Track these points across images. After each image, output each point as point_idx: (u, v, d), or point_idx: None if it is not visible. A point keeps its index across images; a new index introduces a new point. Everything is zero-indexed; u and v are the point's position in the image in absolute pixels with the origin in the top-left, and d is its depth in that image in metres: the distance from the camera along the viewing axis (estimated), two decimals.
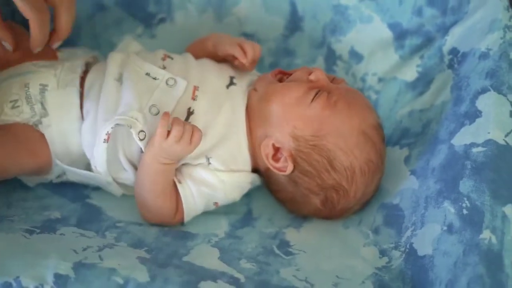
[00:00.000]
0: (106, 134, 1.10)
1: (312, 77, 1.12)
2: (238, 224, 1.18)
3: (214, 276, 1.03)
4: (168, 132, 1.06)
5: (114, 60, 1.16)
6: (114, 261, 1.02)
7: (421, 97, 1.19)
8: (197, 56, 1.21)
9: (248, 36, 1.30)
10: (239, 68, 1.19)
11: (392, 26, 1.22)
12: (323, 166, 1.11)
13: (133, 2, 1.30)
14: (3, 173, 1.13)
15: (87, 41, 1.25)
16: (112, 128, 1.09)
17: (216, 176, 1.12)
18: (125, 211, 1.18)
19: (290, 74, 1.15)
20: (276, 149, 1.12)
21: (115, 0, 1.30)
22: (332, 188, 1.12)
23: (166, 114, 1.06)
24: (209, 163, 1.12)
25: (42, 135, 1.14)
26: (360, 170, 1.11)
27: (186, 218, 1.15)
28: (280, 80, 1.15)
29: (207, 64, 1.19)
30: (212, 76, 1.16)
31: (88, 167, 1.15)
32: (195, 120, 1.12)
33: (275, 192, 1.19)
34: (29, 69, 1.16)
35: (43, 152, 1.14)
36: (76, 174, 1.16)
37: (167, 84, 1.13)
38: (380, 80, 1.24)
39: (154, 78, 1.14)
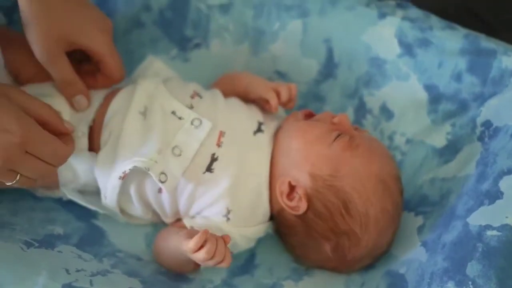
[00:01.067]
0: (123, 172, 1.08)
1: (335, 120, 1.12)
2: (237, 271, 1.15)
3: None
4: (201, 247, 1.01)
5: (142, 90, 1.14)
6: None
7: (446, 165, 1.15)
8: (225, 93, 1.19)
9: (281, 75, 1.27)
10: (268, 112, 1.18)
11: (428, 88, 1.18)
12: (338, 209, 1.07)
13: (171, 24, 1.29)
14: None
15: (121, 55, 1.24)
16: (129, 169, 1.08)
17: (233, 233, 1.09)
18: (128, 241, 1.17)
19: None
20: (292, 188, 1.09)
21: (153, 19, 1.28)
22: (345, 234, 1.08)
23: (205, 232, 1.01)
24: (228, 219, 1.09)
25: None
26: (375, 219, 1.08)
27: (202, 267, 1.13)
28: (306, 119, 1.14)
29: (236, 107, 1.16)
30: (240, 121, 1.14)
31: (97, 190, 1.14)
32: (218, 167, 1.09)
33: (286, 236, 1.16)
34: (49, 92, 1.14)
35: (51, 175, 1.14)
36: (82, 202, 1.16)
37: (192, 124, 1.11)
38: (408, 141, 1.19)
39: (180, 118, 1.11)
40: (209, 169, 1.09)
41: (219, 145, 1.10)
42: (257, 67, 1.27)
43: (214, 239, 1.01)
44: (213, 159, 1.10)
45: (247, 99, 1.19)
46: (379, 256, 1.14)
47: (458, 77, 1.15)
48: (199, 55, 1.30)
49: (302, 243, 1.14)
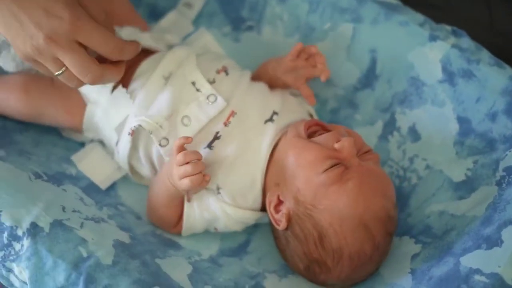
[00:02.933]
0: (131, 128, 1.12)
1: (337, 145, 1.05)
2: (228, 252, 1.17)
3: (171, 286, 1.03)
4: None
5: (173, 56, 1.17)
6: (91, 234, 1.06)
7: (459, 201, 1.11)
8: (258, 78, 1.21)
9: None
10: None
11: (461, 120, 1.14)
12: (312, 239, 1.06)
13: (230, 1, 1.30)
14: (38, 119, 1.20)
15: None
16: (135, 127, 1.12)
17: (222, 208, 1.12)
18: (134, 198, 1.21)
19: (326, 129, 1.11)
20: (280, 202, 1.09)
21: None
22: (316, 261, 1.08)
23: (197, 153, 1.06)
24: (218, 193, 1.11)
25: (83, 102, 1.19)
26: (349, 257, 1.05)
27: (184, 233, 1.16)
28: (310, 136, 1.10)
29: (258, 92, 1.17)
30: (255, 106, 1.14)
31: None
32: (218, 145, 1.11)
33: (274, 237, 1.17)
34: None
35: (78, 115, 1.19)
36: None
37: (207, 99, 1.13)
38: (428, 167, 1.16)
39: (197, 90, 1.14)
40: (209, 145, 1.11)
41: (226, 124, 1.12)
42: None
43: (200, 163, 1.05)
44: (216, 137, 1.11)
45: (278, 83, 1.20)
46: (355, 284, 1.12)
47: (493, 116, 1.12)
48: (250, 38, 1.32)
49: (282, 251, 1.14)
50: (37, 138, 1.22)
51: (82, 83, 1.04)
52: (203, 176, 1.05)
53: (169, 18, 1.34)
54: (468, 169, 1.12)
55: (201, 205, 1.13)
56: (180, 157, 1.05)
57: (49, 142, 1.23)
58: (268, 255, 1.17)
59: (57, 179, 1.15)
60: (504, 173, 1.08)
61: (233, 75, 1.17)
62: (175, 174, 1.06)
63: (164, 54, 1.18)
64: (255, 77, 1.21)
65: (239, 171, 1.11)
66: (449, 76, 1.15)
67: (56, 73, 1.02)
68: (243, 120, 1.13)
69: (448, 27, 1.19)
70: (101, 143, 1.23)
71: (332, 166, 1.04)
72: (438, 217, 1.12)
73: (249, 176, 1.11)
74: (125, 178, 1.22)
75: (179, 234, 1.16)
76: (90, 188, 1.18)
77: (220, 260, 1.14)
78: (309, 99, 1.18)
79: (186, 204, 1.13)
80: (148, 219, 1.18)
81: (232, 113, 1.12)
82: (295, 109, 1.18)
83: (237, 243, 1.18)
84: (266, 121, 1.13)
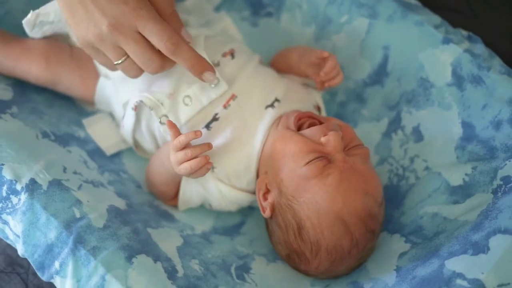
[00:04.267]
0: (133, 103, 1.15)
1: (323, 139, 1.05)
2: (221, 230, 1.19)
3: (158, 256, 1.06)
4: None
5: None
6: (87, 196, 1.08)
7: (453, 205, 1.11)
8: (277, 62, 1.21)
9: None
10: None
11: (465, 125, 1.14)
12: (292, 229, 1.07)
13: None
14: (53, 86, 1.23)
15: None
16: (137, 102, 1.14)
17: (217, 186, 1.14)
18: (138, 167, 1.24)
19: (319, 121, 1.10)
20: (268, 190, 1.10)
21: None
22: (295, 252, 1.09)
23: (199, 132, 1.05)
24: (213, 170, 1.13)
25: (98, 74, 1.22)
26: (327, 251, 1.06)
27: (180, 208, 1.19)
28: (300, 127, 1.10)
29: (263, 77, 1.17)
30: (257, 91, 1.15)
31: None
32: (215, 126, 1.13)
33: (265, 222, 1.18)
34: None
35: (92, 86, 1.22)
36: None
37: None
38: (427, 168, 1.17)
39: None
40: (207, 126, 1.13)
41: (225, 106, 1.13)
42: None
43: (197, 148, 1.06)
44: (214, 118, 1.13)
45: (299, 72, 1.21)
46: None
47: (497, 124, 1.11)
48: (268, 24, 1.34)
49: (269, 235, 1.16)
50: (52, 100, 1.25)
51: (140, 73, 1.06)
52: (203, 159, 1.06)
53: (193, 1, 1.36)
54: (466, 174, 1.12)
55: (198, 181, 1.14)
56: (176, 142, 1.06)
57: (63, 105, 1.26)
58: (260, 238, 1.19)
59: (64, 139, 1.18)
60: (501, 182, 1.08)
61: (239, 59, 1.18)
62: (173, 161, 1.08)
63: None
64: (274, 61, 1.23)
65: (234, 152, 1.12)
66: (458, 80, 1.15)
67: (116, 62, 1.04)
68: (243, 103, 1.14)
69: (464, 32, 1.19)
70: (111, 115, 1.26)
71: (314, 159, 1.04)
72: (431, 219, 1.12)
73: (244, 158, 1.13)
74: (130, 149, 1.25)
75: (175, 206, 1.19)
76: (96, 153, 1.21)
77: (211, 237, 1.16)
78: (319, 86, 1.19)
79: (183, 179, 1.15)
80: (147, 187, 1.21)
81: (233, 96, 1.14)
82: (300, 99, 1.18)
83: (232, 223, 1.20)
84: (267, 107, 1.14)
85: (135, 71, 1.06)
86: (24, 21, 1.17)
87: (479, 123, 1.14)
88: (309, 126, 1.10)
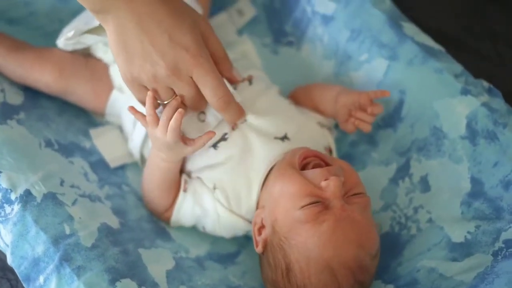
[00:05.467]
0: None
1: (323, 183, 1.02)
2: (215, 257, 1.17)
3: (144, 280, 1.05)
4: None
5: None
6: (80, 212, 1.08)
7: (451, 263, 1.07)
8: (300, 95, 1.21)
9: None
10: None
11: (474, 181, 1.11)
12: (281, 269, 1.05)
13: (276, 13, 1.30)
14: (64, 96, 1.22)
15: None
16: None
17: (215, 207, 1.12)
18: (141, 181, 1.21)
19: (325, 162, 1.08)
20: (263, 225, 1.08)
21: (263, 2, 1.31)
22: None
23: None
24: (214, 191, 1.12)
25: (111, 86, 1.21)
26: None
27: (172, 223, 1.17)
28: (303, 167, 1.07)
29: (277, 108, 1.15)
30: (269, 122, 1.13)
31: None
32: (223, 146, 1.11)
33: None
34: None
35: (104, 99, 1.22)
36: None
37: None
38: (430, 221, 1.13)
39: None
40: (215, 145, 1.12)
41: (233, 128, 1.11)
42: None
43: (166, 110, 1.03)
44: (223, 138, 1.12)
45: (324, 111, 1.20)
46: None
47: (507, 184, 1.07)
48: (288, 53, 1.32)
49: (260, 269, 1.13)
50: (63, 107, 1.24)
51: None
52: (181, 112, 1.02)
53: (218, 19, 1.34)
54: (469, 232, 1.08)
55: (195, 199, 1.13)
56: (149, 118, 1.04)
57: (73, 114, 1.25)
58: (253, 270, 1.16)
59: (68, 149, 1.18)
60: (503, 245, 1.04)
61: (256, 86, 1.16)
62: (159, 135, 1.04)
63: None
64: (295, 93, 1.22)
65: (238, 176, 1.11)
66: (472, 134, 1.12)
67: (165, 102, 1.04)
68: (252, 128, 1.12)
69: (486, 84, 1.15)
70: (120, 128, 1.25)
71: (311, 203, 1.02)
72: (427, 273, 1.08)
73: (246, 184, 1.11)
74: (135, 162, 1.24)
75: (167, 221, 1.17)
76: (99, 165, 1.20)
77: (205, 263, 1.15)
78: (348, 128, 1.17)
79: (181, 193, 1.14)
80: (144, 201, 1.20)
81: (243, 119, 1.12)
82: (311, 139, 1.15)
83: (227, 250, 1.18)
84: (275, 138, 1.12)
85: (178, 108, 1.05)
86: (59, 42, 1.18)
87: (489, 180, 1.10)
88: (313, 167, 1.07)
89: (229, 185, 1.11)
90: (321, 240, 1.00)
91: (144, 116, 1.06)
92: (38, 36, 1.29)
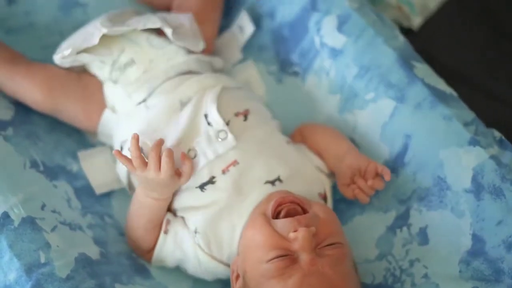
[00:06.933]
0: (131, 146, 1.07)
1: (291, 235, 0.95)
2: None
3: None
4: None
5: (197, 83, 1.13)
6: (58, 240, 1.04)
7: None
8: (303, 139, 1.16)
9: (353, 143, 1.18)
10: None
11: (475, 238, 1.03)
12: None
13: (284, 41, 1.25)
14: (53, 113, 1.19)
15: None
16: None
17: (195, 252, 1.07)
18: (126, 213, 1.15)
19: (302, 208, 1.00)
20: (238, 275, 1.01)
21: (271, 28, 1.27)
22: None
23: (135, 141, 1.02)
24: (195, 235, 1.06)
25: (103, 105, 1.17)
26: None
27: (153, 263, 1.12)
28: (277, 214, 1.00)
29: (271, 147, 1.10)
30: (261, 163, 1.07)
31: None
32: (210, 190, 1.06)
33: None
34: (139, 41, 1.16)
35: (96, 118, 1.17)
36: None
37: (218, 134, 1.07)
38: (425, 277, 1.05)
39: (209, 123, 1.09)
40: (201, 187, 1.06)
41: (224, 172, 1.06)
42: (337, 125, 1.19)
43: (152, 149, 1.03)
44: (211, 181, 1.06)
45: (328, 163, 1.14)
46: None
47: (510, 246, 1.01)
48: (293, 83, 1.26)
49: None
50: (53, 124, 1.20)
51: None
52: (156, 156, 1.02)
53: (224, 37, 1.30)
54: None
55: (176, 242, 1.08)
56: (135, 161, 1.02)
57: (64, 131, 1.21)
58: None
59: (54, 172, 1.14)
60: None
61: (252, 122, 1.11)
62: (147, 181, 1.03)
63: (189, 78, 1.14)
64: (302, 131, 1.18)
65: (221, 222, 1.05)
66: (477, 188, 1.05)
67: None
68: (243, 172, 1.06)
69: (497, 134, 1.09)
70: (112, 149, 1.20)
71: (277, 257, 0.95)
72: None
73: (229, 230, 1.05)
74: (122, 191, 1.19)
75: (149, 261, 1.12)
76: (84, 191, 1.15)
77: None
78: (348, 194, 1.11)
79: (161, 235, 1.08)
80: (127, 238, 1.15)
81: (234, 163, 1.06)
82: (305, 183, 1.09)
83: None
84: (266, 182, 1.06)
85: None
86: (56, 58, 1.15)
87: (491, 239, 1.03)
88: (287, 214, 0.99)
89: (211, 229, 1.06)
90: None
91: (129, 160, 1.03)
92: (37, 47, 1.26)
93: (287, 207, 1.00)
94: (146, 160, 1.03)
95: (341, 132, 1.18)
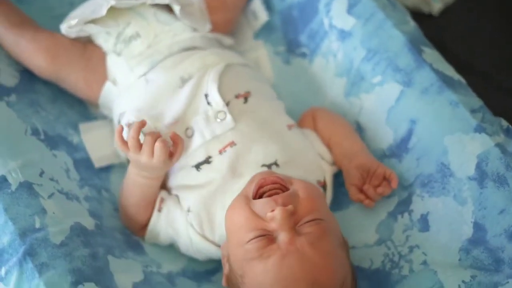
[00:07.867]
0: (128, 121, 1.09)
1: (268, 215, 0.92)
2: (190, 274, 1.11)
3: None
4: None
5: (199, 60, 1.12)
6: (55, 207, 1.03)
7: None
8: (312, 125, 1.15)
9: (358, 128, 1.17)
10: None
11: (477, 226, 1.01)
12: None
13: (292, 22, 1.24)
14: (56, 81, 1.19)
15: None
16: (132, 121, 1.07)
17: (187, 231, 1.06)
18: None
19: (285, 187, 0.97)
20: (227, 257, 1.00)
21: (281, 9, 1.26)
22: None
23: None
24: (188, 214, 1.06)
25: (105, 77, 1.16)
26: None
27: (146, 240, 1.11)
28: (260, 195, 0.97)
29: (270, 131, 1.08)
30: (259, 146, 1.06)
31: None
32: (205, 169, 1.05)
33: None
34: (147, 15, 1.16)
35: (97, 90, 1.17)
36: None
37: (216, 115, 1.06)
38: (424, 263, 1.03)
39: (208, 103, 1.08)
40: (197, 166, 1.06)
41: (220, 152, 1.05)
42: (343, 108, 1.18)
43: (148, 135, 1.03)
44: (207, 161, 1.05)
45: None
46: None
47: (511, 236, 0.99)
48: (300, 64, 1.25)
49: None
50: (57, 94, 1.20)
51: None
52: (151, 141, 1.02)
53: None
54: (463, 281, 0.99)
55: (168, 220, 1.07)
56: (130, 141, 1.02)
57: (68, 102, 1.21)
58: None
59: (54, 141, 1.13)
60: None
61: (252, 105, 1.09)
62: (131, 157, 1.03)
63: (192, 55, 1.13)
64: (314, 116, 1.16)
65: (214, 202, 1.05)
66: (481, 176, 1.03)
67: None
68: (240, 153, 1.05)
69: (504, 123, 1.06)
70: (113, 123, 1.19)
71: (256, 237, 0.92)
72: None
73: (222, 211, 1.03)
74: (121, 166, 1.18)
75: (142, 238, 1.11)
76: (83, 163, 1.15)
77: (177, 279, 1.08)
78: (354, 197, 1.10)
79: (155, 213, 1.08)
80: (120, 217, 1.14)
81: (231, 144, 1.05)
82: (304, 169, 1.07)
83: (205, 267, 1.12)
84: (263, 165, 1.05)
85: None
86: (62, 27, 1.14)
87: (493, 228, 1.01)
88: (270, 195, 0.97)
89: (204, 209, 1.05)
90: (268, 278, 0.91)
91: (125, 141, 1.03)
92: (47, 17, 1.25)
93: (269, 188, 0.98)
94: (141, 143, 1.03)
95: (349, 123, 1.17)
